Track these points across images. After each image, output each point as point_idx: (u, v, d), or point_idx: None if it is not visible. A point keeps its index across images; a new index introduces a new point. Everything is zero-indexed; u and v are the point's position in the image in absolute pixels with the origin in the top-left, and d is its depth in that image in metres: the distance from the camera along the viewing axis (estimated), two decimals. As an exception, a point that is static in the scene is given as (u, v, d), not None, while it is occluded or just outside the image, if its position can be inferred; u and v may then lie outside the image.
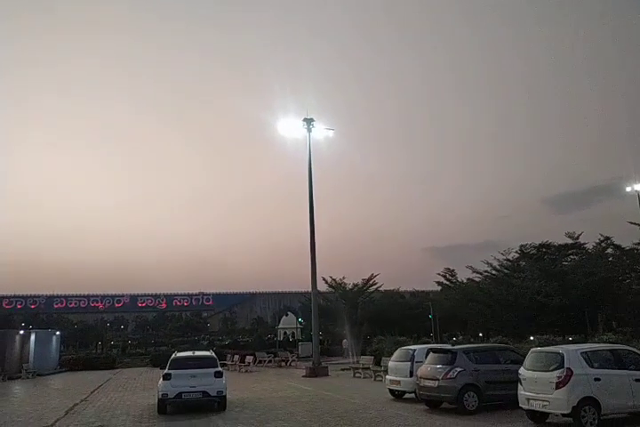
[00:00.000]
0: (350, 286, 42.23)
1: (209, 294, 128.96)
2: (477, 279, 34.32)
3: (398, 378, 14.73)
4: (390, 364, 15.57)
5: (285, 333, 61.96)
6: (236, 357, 32.61)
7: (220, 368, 14.02)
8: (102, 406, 15.65)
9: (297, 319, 68.67)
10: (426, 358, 13.87)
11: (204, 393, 13.24)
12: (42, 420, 12.35)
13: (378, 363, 22.44)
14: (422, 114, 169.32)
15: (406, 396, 14.97)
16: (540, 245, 32.89)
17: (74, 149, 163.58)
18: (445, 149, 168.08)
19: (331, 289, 43.23)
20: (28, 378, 28.76)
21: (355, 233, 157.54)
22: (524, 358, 12.65)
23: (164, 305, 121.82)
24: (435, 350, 13.49)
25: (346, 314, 39.56)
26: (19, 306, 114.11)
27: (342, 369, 27.50)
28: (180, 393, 13.13)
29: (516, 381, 11.26)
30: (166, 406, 13.37)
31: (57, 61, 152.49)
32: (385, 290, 45.53)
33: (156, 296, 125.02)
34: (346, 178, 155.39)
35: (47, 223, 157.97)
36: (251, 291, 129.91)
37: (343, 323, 41.12)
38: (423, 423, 11.03)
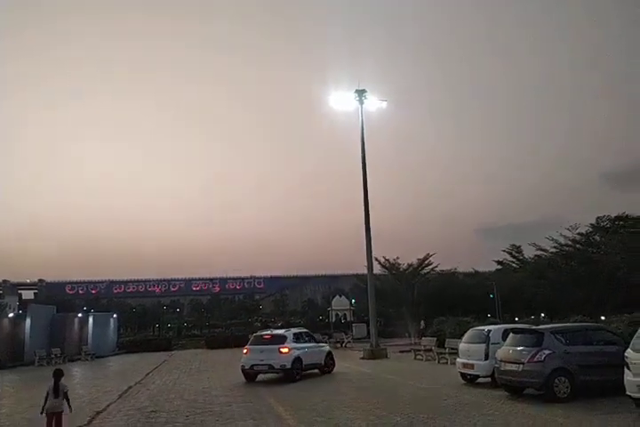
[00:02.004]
0: (405, 267, 40.69)
1: (260, 278, 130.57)
2: (544, 256, 32.03)
3: (471, 361, 13.33)
4: (461, 346, 14.16)
5: (337, 314, 61.26)
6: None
7: (285, 345, 15.50)
8: (156, 389, 15.09)
9: (349, 301, 67.86)
10: (502, 339, 12.48)
11: (270, 366, 15.33)
12: (94, 404, 11.78)
13: (441, 345, 21.08)
14: (479, 84, 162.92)
15: (479, 380, 13.59)
16: (616, 217, 30.21)
17: (132, 133, 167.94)
18: (500, 123, 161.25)
19: (384, 270, 41.78)
20: (87, 360, 29.12)
21: (406, 212, 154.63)
22: (621, 338, 11.12)
23: (217, 289, 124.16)
24: (516, 331, 11.97)
25: (402, 295, 38.20)
26: (81, 291, 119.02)
27: (401, 351, 26.31)
28: (253, 365, 15.57)
29: (613, 364, 9.78)
30: (248, 375, 15.83)
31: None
32: (440, 271, 43.72)
33: (209, 280, 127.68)
34: (399, 152, 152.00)
35: (106, 209, 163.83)
36: (301, 274, 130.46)
37: (398, 304, 39.74)
38: (509, 412, 9.61)
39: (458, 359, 14.13)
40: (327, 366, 17.54)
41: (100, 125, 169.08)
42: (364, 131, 25.47)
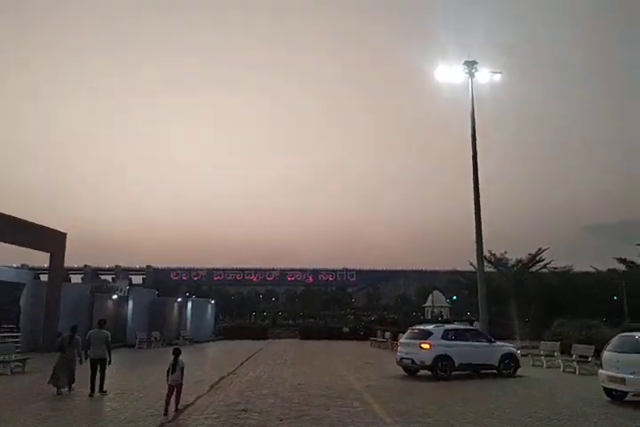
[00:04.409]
0: (513, 262, 37.31)
1: (352, 270, 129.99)
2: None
3: (621, 375, 10.81)
4: (606, 355, 11.64)
5: (433, 311, 58.56)
6: (388, 333, 30.29)
7: (428, 340, 15.13)
8: (249, 381, 14.07)
9: (446, 298, 64.71)
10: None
11: (412, 361, 15.30)
12: (184, 395, 10.82)
13: (565, 351, 18.36)
14: (600, 59, 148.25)
15: (629, 398, 11.10)
16: None
17: (236, 126, 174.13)
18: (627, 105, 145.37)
19: (489, 265, 38.59)
20: (184, 345, 29.28)
21: (508, 203, 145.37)
22: None
23: (310, 280, 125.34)
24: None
25: (509, 293, 34.99)
26: (184, 278, 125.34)
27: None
28: (402, 358, 15.76)
29: None
30: (405, 369, 15.88)
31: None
32: (553, 268, 39.65)
33: (303, 271, 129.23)
34: (507, 132, 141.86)
35: (211, 202, 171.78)
36: (394, 268, 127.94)
37: (504, 303, 36.60)
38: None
39: (601, 371, 11.63)
40: (505, 369, 15.65)
41: (209, 120, 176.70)
42: (475, 108, 22.98)
